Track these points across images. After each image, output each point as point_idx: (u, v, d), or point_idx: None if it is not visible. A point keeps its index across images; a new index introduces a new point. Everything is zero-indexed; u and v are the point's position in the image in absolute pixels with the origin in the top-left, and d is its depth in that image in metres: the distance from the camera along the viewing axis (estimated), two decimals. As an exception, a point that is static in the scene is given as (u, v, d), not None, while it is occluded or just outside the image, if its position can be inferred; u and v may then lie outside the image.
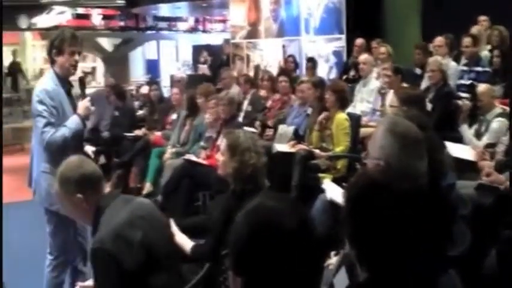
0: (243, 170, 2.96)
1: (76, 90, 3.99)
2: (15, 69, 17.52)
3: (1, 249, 3.68)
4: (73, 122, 3.56)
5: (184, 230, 3.23)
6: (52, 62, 3.59)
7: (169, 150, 6.52)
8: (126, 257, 2.33)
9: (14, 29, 21.55)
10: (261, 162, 3.02)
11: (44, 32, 21.49)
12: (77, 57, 3.60)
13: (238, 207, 1.84)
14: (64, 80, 3.60)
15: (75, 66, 3.61)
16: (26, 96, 20.28)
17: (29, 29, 21.58)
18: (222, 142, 3.21)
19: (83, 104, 3.67)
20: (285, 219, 1.39)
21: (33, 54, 23.47)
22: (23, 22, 21.18)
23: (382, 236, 1.46)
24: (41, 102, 3.44)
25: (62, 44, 3.52)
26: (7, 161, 9.48)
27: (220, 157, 3.09)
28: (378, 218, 1.47)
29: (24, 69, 22.83)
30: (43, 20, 20.62)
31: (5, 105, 12.91)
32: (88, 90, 18.90)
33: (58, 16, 20.64)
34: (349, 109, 5.92)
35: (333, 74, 9.12)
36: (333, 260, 2.51)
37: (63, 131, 3.48)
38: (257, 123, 6.74)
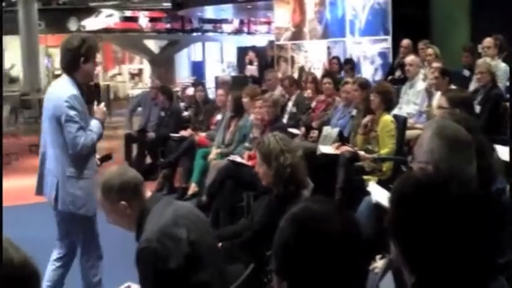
0: (282, 174, 3.01)
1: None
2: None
3: (1, 249, 3.74)
4: (96, 126, 3.59)
5: (224, 238, 3.27)
6: (75, 70, 3.54)
7: (214, 151, 6.57)
8: (172, 255, 2.37)
9: (64, 31, 22.14)
10: (298, 160, 3.06)
11: (92, 35, 21.99)
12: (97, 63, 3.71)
13: (281, 210, 1.85)
14: (80, 86, 3.60)
15: (93, 73, 3.72)
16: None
17: (78, 31, 22.09)
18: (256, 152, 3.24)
19: (100, 109, 3.72)
20: (330, 223, 1.39)
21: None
22: (72, 25, 21.71)
23: (430, 240, 1.44)
24: (71, 107, 3.44)
25: (90, 51, 3.53)
26: (36, 161, 9.75)
27: (259, 169, 3.13)
28: (426, 222, 1.45)
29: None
30: (92, 23, 21.10)
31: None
32: (135, 92, 19.24)
33: (106, 19, 21.10)
34: (395, 111, 5.85)
35: (378, 76, 9.03)
36: (379, 263, 2.49)
37: (92, 136, 3.52)
38: (301, 124, 6.73)
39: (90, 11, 21.20)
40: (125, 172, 2.60)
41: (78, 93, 3.50)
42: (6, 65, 19.15)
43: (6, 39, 18.86)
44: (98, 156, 3.81)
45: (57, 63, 24.09)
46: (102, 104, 3.77)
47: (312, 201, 1.45)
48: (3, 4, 19.78)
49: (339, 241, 1.38)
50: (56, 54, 24.00)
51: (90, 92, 4.14)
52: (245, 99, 6.46)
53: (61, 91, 3.51)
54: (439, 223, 1.43)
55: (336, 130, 5.89)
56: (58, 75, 18.01)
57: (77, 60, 3.50)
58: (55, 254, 3.78)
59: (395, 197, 1.55)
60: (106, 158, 4.03)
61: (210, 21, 23.20)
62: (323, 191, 4.66)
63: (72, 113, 3.42)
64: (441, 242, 1.43)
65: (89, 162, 3.57)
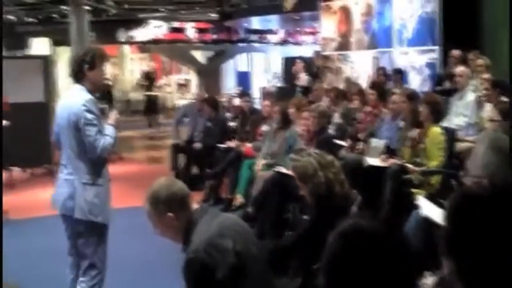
0: (320, 190, 3.01)
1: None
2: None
3: (1, 251, 3.79)
4: (111, 131, 3.62)
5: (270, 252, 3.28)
6: (81, 78, 3.58)
7: (260, 162, 6.58)
8: (218, 265, 2.39)
9: (113, 42, 22.62)
10: (334, 175, 3.06)
11: (141, 45, 22.40)
12: (106, 72, 3.72)
13: (327, 224, 1.84)
14: (93, 95, 3.63)
15: (104, 82, 3.79)
16: (123, 107, 21.20)
17: (127, 42, 22.56)
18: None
19: (114, 115, 3.77)
20: (379, 239, 1.38)
21: (130, 66, 24.49)
22: (122, 36, 22.17)
23: (487, 257, 1.40)
24: (89, 111, 3.47)
25: (94, 59, 3.57)
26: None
27: (302, 192, 3.15)
28: (483, 238, 1.41)
29: (120, 81, 23.87)
30: (140, 34, 21.51)
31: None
32: (182, 102, 19.44)
33: (154, 30, 21.47)
34: (444, 123, 5.75)
35: (426, 87, 8.90)
36: (428, 280, 2.45)
37: (109, 139, 3.55)
38: (348, 136, 6.69)
39: (139, 22, 21.60)
40: (173, 184, 2.63)
41: (92, 97, 3.56)
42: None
43: (59, 50, 19.41)
44: None
45: (107, 73, 24.66)
46: (115, 112, 3.84)
47: (360, 217, 1.45)
48: (56, 16, 20.38)
49: (388, 257, 1.37)
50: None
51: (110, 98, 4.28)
52: (291, 110, 6.47)
53: (76, 97, 3.54)
54: (496, 239, 1.39)
55: (383, 142, 5.83)
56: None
57: (82, 68, 3.56)
58: (76, 272, 3.71)
59: (450, 212, 1.52)
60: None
61: (256, 31, 23.32)
62: (370, 204, 4.62)
63: (90, 116, 3.46)
64: (499, 260, 1.39)
65: (103, 169, 3.63)
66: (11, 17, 20.69)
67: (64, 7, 17.49)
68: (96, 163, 3.56)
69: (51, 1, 16.15)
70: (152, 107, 17.19)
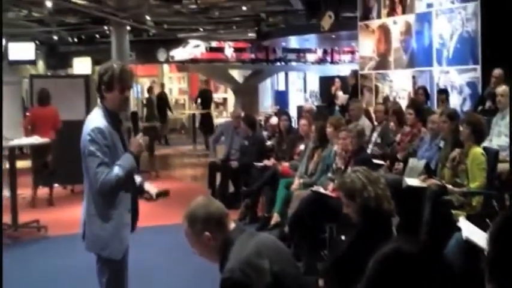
0: (369, 208, 2.98)
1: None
2: (163, 99, 18.02)
3: (1, 255, 3.77)
4: (126, 160, 3.32)
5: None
6: (101, 98, 3.38)
7: (297, 181, 6.55)
8: (255, 285, 2.38)
9: (153, 61, 22.99)
10: (382, 190, 3.03)
11: (180, 65, 22.71)
12: (128, 93, 3.40)
13: (369, 245, 1.81)
14: (114, 116, 3.39)
15: (126, 102, 3.47)
16: (161, 125, 21.44)
17: (166, 61, 22.90)
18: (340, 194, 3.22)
19: (135, 141, 3.46)
20: (421, 264, 1.34)
21: (169, 85, 24.83)
22: (161, 55, 22.52)
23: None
24: (93, 141, 3.22)
25: (112, 80, 3.31)
26: (145, 186, 10.05)
27: (347, 210, 3.11)
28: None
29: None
30: (180, 53, 21.81)
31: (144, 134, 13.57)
32: (219, 120, 19.57)
33: (193, 49, 21.75)
34: (485, 143, 5.63)
35: (467, 106, 8.75)
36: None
37: (117, 171, 3.24)
38: (386, 156, 6.61)
39: (178, 42, 21.92)
40: (210, 203, 2.63)
41: (106, 124, 3.29)
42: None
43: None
44: (155, 190, 3.63)
45: (146, 92, 25.06)
46: (139, 135, 3.55)
47: (401, 241, 1.41)
48: (97, 36, 20.85)
49: (430, 282, 1.34)
50: (145, 83, 24.97)
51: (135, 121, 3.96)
52: (329, 129, 6.43)
53: (88, 124, 3.32)
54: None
55: (422, 162, 5.74)
56: (146, 105, 18.48)
57: (100, 88, 3.35)
58: None
59: (493, 235, 1.47)
60: (162, 194, 3.90)
61: (293, 50, 23.41)
62: (409, 226, 4.54)
63: (93, 147, 3.22)
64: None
65: (115, 201, 3.32)
66: (55, 37, 21.26)
67: (105, 27, 17.88)
68: (103, 195, 3.30)
69: (93, 21, 16.53)
70: (208, 125, 16.37)
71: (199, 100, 17.11)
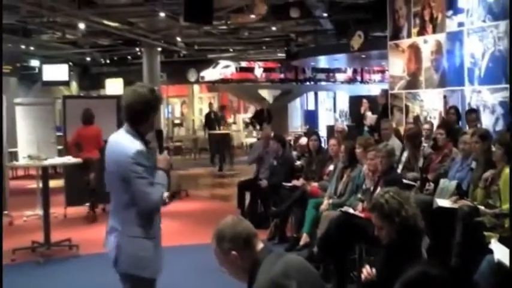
0: (408, 226, 2.94)
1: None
2: (216, 118, 18.10)
3: (1, 254, 3.76)
4: (162, 178, 3.37)
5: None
6: (143, 121, 3.35)
7: (326, 202, 6.52)
8: None
9: (183, 82, 23.25)
10: (415, 208, 3.01)
11: (210, 85, 22.92)
12: (156, 117, 3.52)
13: (399, 265, 1.79)
14: (144, 136, 3.40)
15: (154, 126, 3.56)
16: (191, 145, 21.62)
17: (197, 82, 23.14)
18: (373, 216, 3.17)
19: (163, 158, 3.48)
20: None
21: (199, 105, 25.04)
22: (192, 76, 22.77)
23: None
24: (138, 164, 3.22)
25: (148, 110, 3.33)
26: (175, 206, 10.13)
27: (380, 232, 3.07)
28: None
29: (189, 119, 24.38)
30: (210, 74, 22.02)
31: (175, 154, 13.73)
32: (249, 140, 19.55)
33: (223, 69, 21.94)
34: (519, 164, 5.53)
35: (499, 126, 8.61)
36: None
37: (160, 189, 3.32)
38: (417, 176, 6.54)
39: (209, 63, 22.15)
40: (238, 223, 2.63)
41: (143, 146, 3.30)
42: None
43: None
44: (166, 194, 3.64)
45: (177, 112, 25.32)
46: (165, 153, 3.57)
47: (429, 265, 1.39)
48: (129, 57, 21.20)
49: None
50: (176, 104, 25.24)
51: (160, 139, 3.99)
52: (358, 150, 6.40)
53: (124, 145, 3.28)
54: None
55: (453, 183, 5.66)
56: (177, 124, 18.74)
57: (148, 112, 3.34)
58: None
59: None
60: (173, 196, 3.87)
61: (323, 70, 23.43)
62: (439, 248, 4.47)
63: (139, 169, 3.22)
64: None
65: (153, 221, 3.37)
66: (87, 59, 21.68)
67: (137, 48, 18.17)
68: (146, 215, 3.31)
69: (125, 43, 16.82)
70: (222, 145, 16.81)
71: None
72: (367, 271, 3.16)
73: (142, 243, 3.29)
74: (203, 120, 20.35)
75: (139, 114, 3.32)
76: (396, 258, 2.80)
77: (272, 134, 9.40)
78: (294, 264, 2.56)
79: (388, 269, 2.77)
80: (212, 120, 17.60)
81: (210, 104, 18.66)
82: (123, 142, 3.30)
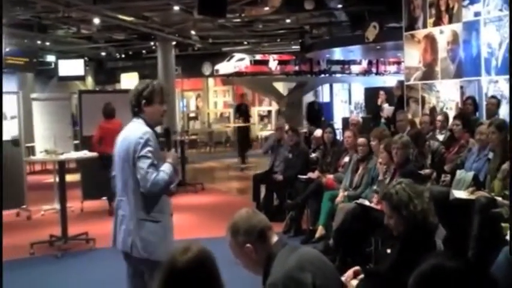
0: (414, 221, 2.94)
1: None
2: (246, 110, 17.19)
3: (1, 253, 3.77)
4: (168, 168, 3.51)
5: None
6: (140, 111, 3.55)
7: (341, 194, 6.50)
8: None
9: (198, 76, 23.26)
10: (427, 204, 2.99)
11: (225, 78, 22.91)
12: (165, 107, 3.62)
13: (412, 258, 1.77)
14: (152, 129, 3.56)
15: (162, 116, 3.63)
16: (207, 138, 21.66)
17: (211, 75, 23.13)
18: (383, 204, 3.18)
19: (172, 154, 3.66)
20: (463, 281, 1.30)
21: (214, 99, 25.05)
22: (206, 69, 22.77)
23: None
24: (145, 144, 3.40)
25: (152, 95, 3.53)
26: (191, 199, 10.17)
27: (389, 221, 3.07)
28: None
29: (204, 113, 24.41)
30: (224, 67, 21.99)
31: (190, 148, 13.76)
32: (264, 133, 19.53)
33: (238, 63, 21.90)
34: (537, 154, 5.46)
35: (517, 116, 8.51)
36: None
37: (163, 174, 3.44)
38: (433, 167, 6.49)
39: (223, 56, 22.12)
40: (253, 216, 2.62)
41: (151, 131, 3.49)
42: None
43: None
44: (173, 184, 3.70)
45: (192, 106, 25.37)
46: (173, 150, 3.75)
47: (443, 257, 1.37)
48: (144, 51, 21.26)
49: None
50: (191, 97, 25.27)
51: (168, 136, 4.13)
52: (373, 142, 6.36)
53: (135, 130, 3.49)
54: None
55: (470, 174, 5.62)
56: (192, 118, 18.77)
57: (140, 102, 3.53)
58: None
59: None
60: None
61: (338, 62, 23.30)
62: (456, 240, 4.43)
63: (145, 149, 3.39)
64: None
65: (161, 205, 3.50)
66: (103, 54, 21.77)
67: (152, 43, 18.20)
68: (152, 198, 3.45)
69: (139, 37, 16.86)
70: (244, 139, 16.38)
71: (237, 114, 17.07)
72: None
73: (150, 226, 3.46)
74: (229, 113, 19.77)
75: (134, 107, 3.56)
76: (408, 252, 2.79)
77: (287, 127, 9.37)
78: (309, 257, 2.55)
79: (401, 262, 2.76)
80: (243, 112, 16.82)
81: (242, 96, 17.85)
82: (132, 128, 3.54)
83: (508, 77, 8.82)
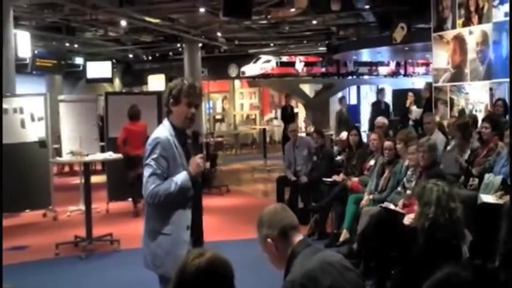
0: (443, 217, 2.87)
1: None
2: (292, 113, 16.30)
3: (1, 251, 3.69)
4: (182, 178, 3.25)
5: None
6: (168, 112, 3.37)
7: (366, 197, 6.41)
8: None
9: (224, 77, 23.31)
10: (455, 208, 2.92)
11: (251, 80, 22.91)
12: (193, 109, 3.35)
13: (432, 262, 1.71)
14: (180, 131, 3.37)
15: (191, 119, 3.37)
16: (232, 140, 21.68)
17: (238, 77, 23.16)
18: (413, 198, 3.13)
19: (194, 162, 3.33)
20: None
21: (240, 101, 25.07)
22: (232, 71, 22.80)
23: None
24: (151, 151, 3.24)
25: (179, 95, 3.32)
26: (216, 201, 10.15)
27: (414, 209, 3.01)
28: None
29: (230, 115, 24.43)
30: (251, 69, 21.99)
31: (216, 150, 13.76)
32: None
33: (264, 64, 21.88)
34: None
35: (549, 119, 8.31)
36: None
37: (168, 186, 3.21)
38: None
39: (250, 58, 22.13)
40: (280, 212, 2.60)
41: (169, 137, 3.27)
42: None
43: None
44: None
45: (218, 108, 25.43)
46: (198, 156, 3.38)
47: (461, 267, 1.29)
48: (171, 53, 21.37)
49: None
50: (217, 99, 25.33)
51: (195, 141, 3.76)
52: (399, 145, 6.26)
53: (153, 134, 3.34)
54: None
55: (499, 178, 5.48)
56: (218, 120, 18.81)
57: (168, 102, 3.36)
58: None
59: None
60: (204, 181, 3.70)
61: (365, 64, 23.11)
62: (483, 245, 4.32)
63: (150, 156, 3.23)
64: None
65: (171, 216, 3.27)
66: (130, 56, 21.96)
67: (178, 44, 18.29)
68: (164, 209, 3.25)
69: (166, 39, 16.95)
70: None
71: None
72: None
73: (159, 239, 3.27)
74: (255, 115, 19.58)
75: (171, 100, 3.35)
76: (429, 257, 2.72)
77: (313, 129, 9.29)
78: (331, 260, 2.51)
79: (421, 267, 2.69)
80: (288, 114, 15.89)
81: (287, 96, 17.40)
82: (155, 132, 3.36)
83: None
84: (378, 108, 16.23)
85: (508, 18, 9.04)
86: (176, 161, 3.29)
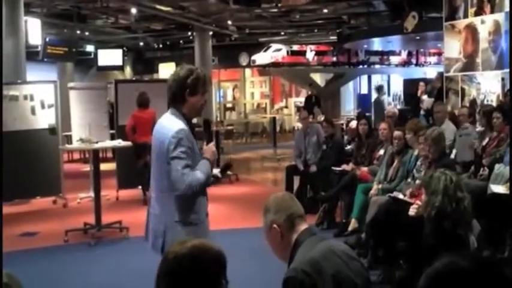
0: (449, 207, 2.85)
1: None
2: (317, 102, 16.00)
3: (1, 250, 3.67)
4: (205, 166, 3.25)
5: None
6: (181, 101, 3.27)
7: (375, 187, 6.38)
8: (315, 287, 2.30)
9: (235, 66, 23.27)
10: (463, 198, 2.91)
11: (262, 69, 22.86)
12: (205, 97, 3.34)
13: (437, 252, 1.69)
14: (189, 120, 3.31)
15: (203, 107, 3.36)
16: (243, 129, 21.67)
17: (248, 66, 23.11)
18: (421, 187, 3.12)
19: (209, 149, 3.35)
20: (477, 281, 1.21)
21: (250, 89, 25.03)
22: (243, 60, 22.75)
23: None
24: (178, 144, 3.15)
25: (197, 84, 3.25)
26: (225, 189, 10.16)
27: (422, 198, 3.00)
28: None
29: (241, 103, 24.41)
30: (261, 58, 21.93)
31: (226, 138, 13.77)
32: (300, 124, 19.33)
33: (274, 53, 21.81)
34: None
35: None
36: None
37: (199, 175, 3.19)
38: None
39: (260, 46, 22.06)
40: (287, 200, 2.59)
41: (187, 127, 3.23)
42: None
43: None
44: (218, 169, 3.52)
45: (229, 96, 25.42)
46: (212, 143, 3.43)
47: (460, 256, 1.28)
48: (181, 42, 21.35)
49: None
50: (228, 88, 25.31)
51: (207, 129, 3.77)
52: (408, 135, 6.22)
53: (168, 126, 3.23)
54: None
55: (509, 168, 5.42)
56: (229, 109, 18.82)
57: (183, 92, 3.24)
58: None
59: None
60: (226, 169, 3.76)
61: (376, 53, 22.98)
62: (492, 236, 4.29)
63: (178, 149, 3.15)
64: None
65: (196, 206, 3.28)
66: (141, 44, 21.96)
67: (189, 33, 18.26)
68: (187, 199, 3.23)
69: (177, 27, 16.93)
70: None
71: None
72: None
73: (188, 229, 3.22)
74: (265, 103, 19.65)
75: (175, 95, 3.27)
76: (435, 246, 2.71)
77: (323, 118, 9.26)
78: (336, 249, 2.50)
79: (428, 256, 2.67)
80: (312, 104, 15.64)
81: (311, 85, 16.98)
82: (166, 123, 3.28)
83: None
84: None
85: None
86: (194, 151, 3.27)
